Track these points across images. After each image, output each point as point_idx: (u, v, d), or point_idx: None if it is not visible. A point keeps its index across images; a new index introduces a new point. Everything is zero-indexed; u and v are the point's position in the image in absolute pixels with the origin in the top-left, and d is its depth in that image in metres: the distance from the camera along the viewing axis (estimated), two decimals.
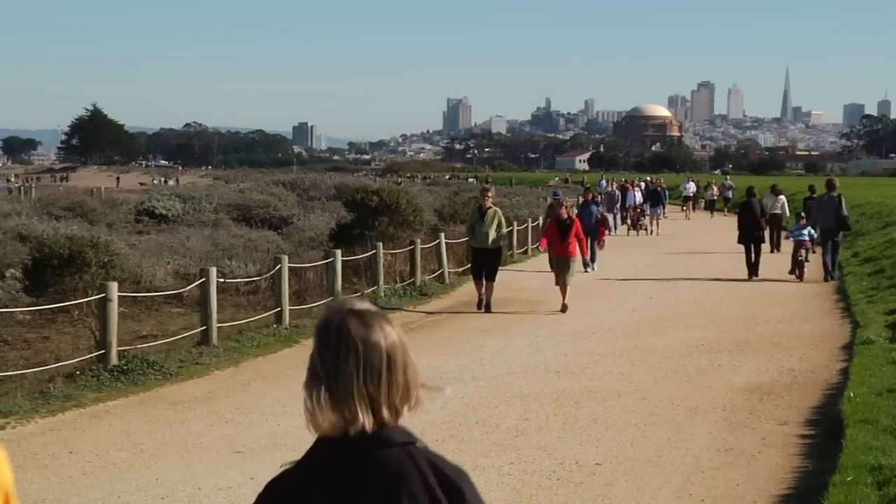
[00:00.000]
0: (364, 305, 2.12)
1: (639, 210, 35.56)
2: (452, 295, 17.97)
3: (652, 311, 15.62)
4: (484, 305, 15.86)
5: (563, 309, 15.54)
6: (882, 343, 11.68)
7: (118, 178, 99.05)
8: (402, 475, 2.04)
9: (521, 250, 25.94)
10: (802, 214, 22.01)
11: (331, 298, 15.51)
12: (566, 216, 16.30)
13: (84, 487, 7.15)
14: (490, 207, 16.18)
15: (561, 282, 15.86)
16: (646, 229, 34.50)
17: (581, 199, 25.49)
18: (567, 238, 16.01)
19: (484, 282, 15.93)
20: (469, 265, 17.58)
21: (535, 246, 25.20)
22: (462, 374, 10.68)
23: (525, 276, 20.38)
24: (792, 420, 8.94)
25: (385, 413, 2.05)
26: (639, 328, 14.06)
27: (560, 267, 15.98)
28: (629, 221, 35.51)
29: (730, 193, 46.77)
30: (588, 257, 22.06)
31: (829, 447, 7.74)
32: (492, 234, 15.91)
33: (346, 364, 2.03)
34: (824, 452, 7.72)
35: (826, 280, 19.47)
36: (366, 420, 2.03)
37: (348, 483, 2.05)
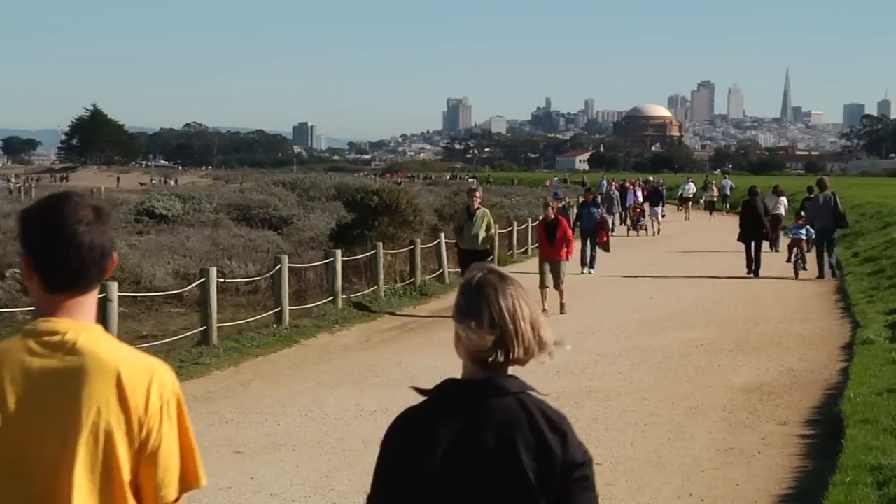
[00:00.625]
0: (502, 270, 2.48)
1: (639, 210, 35.24)
2: (452, 295, 17.92)
3: (652, 311, 15.62)
4: None
5: (562, 309, 15.31)
6: (882, 343, 11.67)
7: (118, 178, 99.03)
8: (516, 420, 2.32)
9: (521, 250, 25.94)
10: (802, 214, 22.28)
11: (329, 297, 15.50)
12: (552, 216, 15.93)
13: None
14: (478, 208, 15.89)
15: (554, 286, 15.51)
16: (646, 229, 34.28)
17: (581, 200, 25.15)
18: (555, 239, 15.65)
19: None
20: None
21: (535, 246, 25.09)
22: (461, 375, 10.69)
23: (524, 276, 20.33)
24: (792, 420, 8.94)
25: (517, 352, 2.33)
26: (639, 328, 14.06)
27: (551, 270, 15.61)
28: (629, 222, 35.22)
29: (728, 192, 46.84)
30: (587, 258, 21.76)
31: (829, 447, 7.74)
32: (481, 235, 15.66)
33: (480, 313, 2.34)
34: (824, 452, 7.71)
35: (819, 277, 19.72)
36: (499, 355, 2.31)
37: (469, 425, 2.31)
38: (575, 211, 25.79)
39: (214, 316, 12.73)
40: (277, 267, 14.52)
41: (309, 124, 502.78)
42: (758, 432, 8.51)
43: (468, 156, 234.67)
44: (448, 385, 2.37)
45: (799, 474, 7.36)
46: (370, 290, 16.99)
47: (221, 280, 14.40)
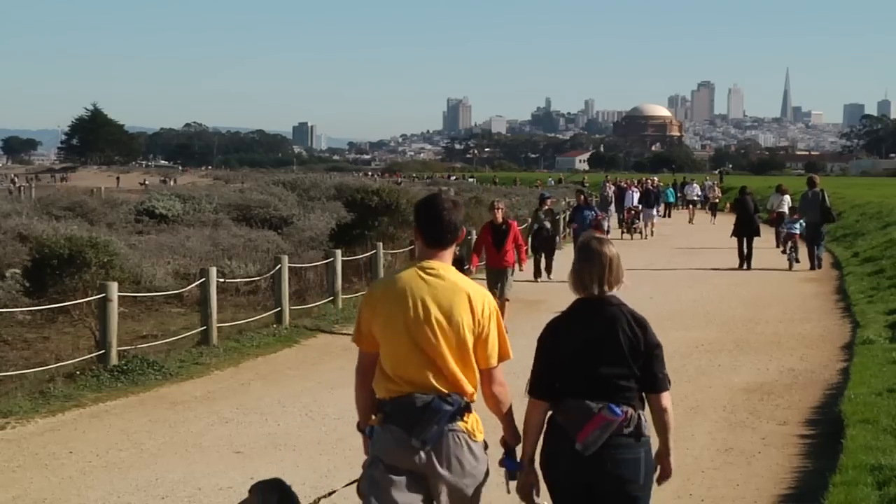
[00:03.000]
0: (602, 235, 4.47)
1: (633, 212, 33.89)
2: None
3: (652, 311, 15.42)
4: None
5: None
6: (882, 343, 11.66)
7: (118, 178, 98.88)
8: (617, 317, 4.20)
9: None
10: (795, 208, 24.04)
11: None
12: (501, 220, 14.18)
13: (84, 487, 7.15)
14: None
15: (499, 296, 13.61)
16: (640, 232, 33.13)
17: (574, 203, 23.86)
18: (503, 246, 13.97)
19: None
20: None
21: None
22: None
23: (523, 276, 20.33)
24: (792, 420, 8.93)
25: (607, 288, 4.22)
26: None
27: (495, 280, 14.00)
28: (624, 224, 33.86)
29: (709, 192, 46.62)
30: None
31: (829, 447, 7.74)
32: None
33: (590, 262, 4.23)
34: (824, 452, 7.71)
35: (811, 269, 21.31)
36: (597, 290, 4.22)
37: (589, 321, 4.21)
38: (567, 215, 25.18)
39: (214, 316, 12.73)
40: (277, 267, 14.52)
41: (309, 124, 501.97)
42: (758, 432, 8.51)
43: (468, 156, 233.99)
44: (578, 301, 4.28)
45: (799, 474, 7.36)
46: None
47: (221, 280, 14.39)
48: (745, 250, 22.19)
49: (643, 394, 4.22)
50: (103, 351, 10.92)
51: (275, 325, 13.93)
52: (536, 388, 4.31)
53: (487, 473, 4.25)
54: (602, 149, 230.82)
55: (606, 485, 4.14)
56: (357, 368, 4.35)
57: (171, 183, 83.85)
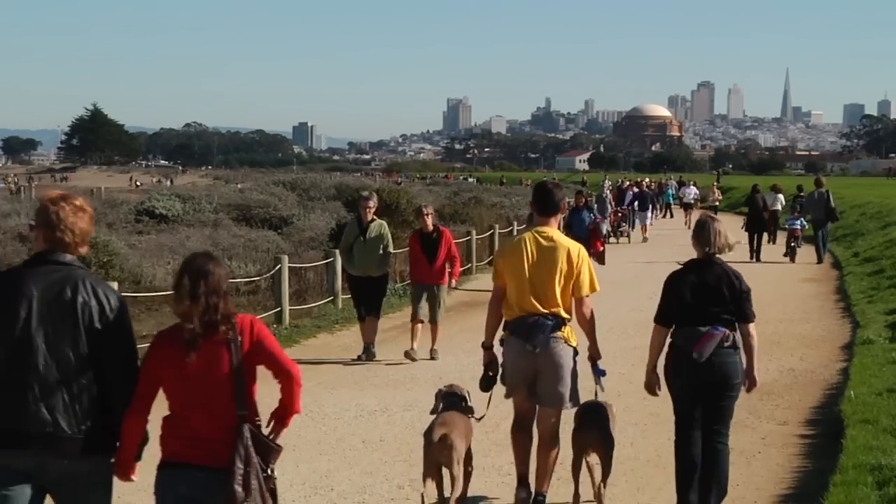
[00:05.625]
0: (712, 214, 6.95)
1: (620, 214, 31.88)
2: (453, 295, 17.91)
3: (652, 311, 15.49)
4: (364, 349, 12.01)
5: (433, 355, 11.99)
6: (882, 343, 11.67)
7: (131, 177, 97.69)
8: (720, 274, 6.15)
9: None
10: (797, 208, 25.63)
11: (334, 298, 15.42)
12: (431, 228, 12.11)
13: None
14: (373, 220, 12.07)
15: (430, 319, 12.03)
16: (627, 236, 31.35)
17: (573, 204, 21.67)
18: (436, 258, 11.91)
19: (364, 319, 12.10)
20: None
21: None
22: (462, 374, 10.66)
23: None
24: (792, 420, 8.94)
25: (715, 251, 6.18)
26: (639, 328, 14.02)
27: (428, 298, 11.95)
28: (611, 226, 30.81)
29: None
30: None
31: (829, 447, 7.75)
32: (376, 258, 12.01)
33: (704, 232, 6.19)
34: (824, 452, 7.72)
35: (818, 262, 22.82)
36: (708, 251, 6.20)
37: (700, 274, 6.18)
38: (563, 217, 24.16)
39: None
40: (277, 267, 14.52)
41: (309, 124, 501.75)
42: (758, 432, 8.52)
43: (468, 156, 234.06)
44: (692, 261, 6.19)
45: (799, 474, 7.36)
46: None
47: None
48: (756, 244, 23.89)
49: (736, 323, 6.07)
50: None
51: (275, 325, 13.92)
52: (661, 317, 6.34)
53: (576, 364, 6.37)
54: (602, 149, 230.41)
55: (716, 381, 6.04)
56: (491, 298, 6.48)
57: (169, 183, 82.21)
